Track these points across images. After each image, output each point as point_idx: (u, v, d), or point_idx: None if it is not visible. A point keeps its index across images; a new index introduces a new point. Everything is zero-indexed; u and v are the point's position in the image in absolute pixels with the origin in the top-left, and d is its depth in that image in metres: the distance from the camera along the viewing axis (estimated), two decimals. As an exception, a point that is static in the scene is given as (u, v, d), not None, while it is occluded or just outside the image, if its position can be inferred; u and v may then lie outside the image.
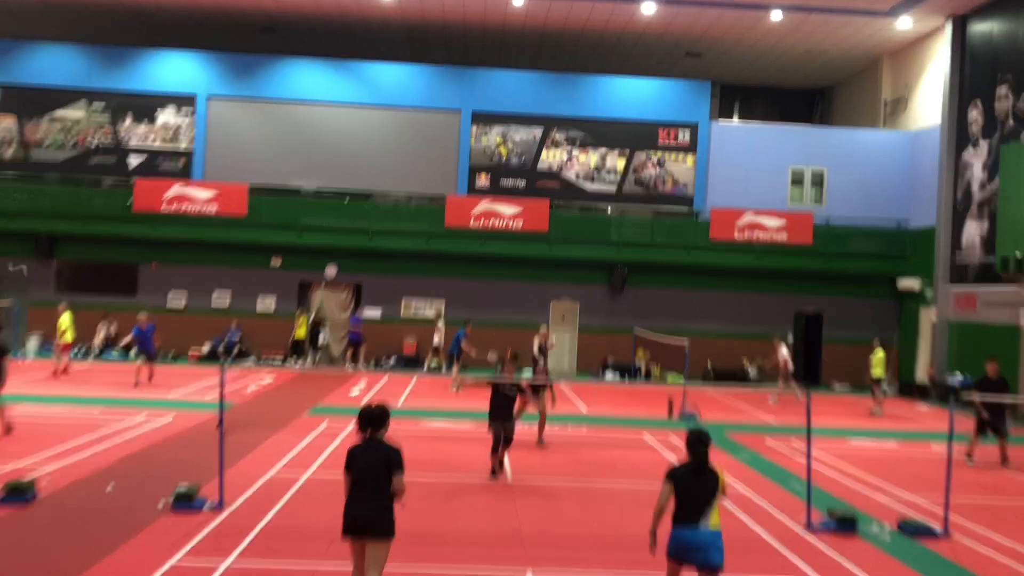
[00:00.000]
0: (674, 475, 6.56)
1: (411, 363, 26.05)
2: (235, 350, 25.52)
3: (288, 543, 8.49)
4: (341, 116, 27.55)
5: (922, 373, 25.14)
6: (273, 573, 7.74)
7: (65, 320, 20.63)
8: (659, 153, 27.83)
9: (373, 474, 6.43)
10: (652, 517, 6.61)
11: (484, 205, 26.12)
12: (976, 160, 23.80)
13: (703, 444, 6.56)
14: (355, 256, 26.43)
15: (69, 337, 20.73)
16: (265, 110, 27.63)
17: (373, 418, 6.63)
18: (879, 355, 20.61)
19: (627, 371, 25.98)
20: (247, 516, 9.40)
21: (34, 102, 27.14)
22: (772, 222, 26.41)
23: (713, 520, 6.38)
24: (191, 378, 21.24)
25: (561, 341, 26.44)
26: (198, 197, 25.73)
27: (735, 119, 31.94)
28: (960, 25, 24.64)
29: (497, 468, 12.02)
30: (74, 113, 27.24)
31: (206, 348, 25.89)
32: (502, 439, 12.02)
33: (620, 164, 27.85)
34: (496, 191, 27.36)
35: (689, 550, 6.39)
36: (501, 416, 12.07)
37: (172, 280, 26.36)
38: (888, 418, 20.25)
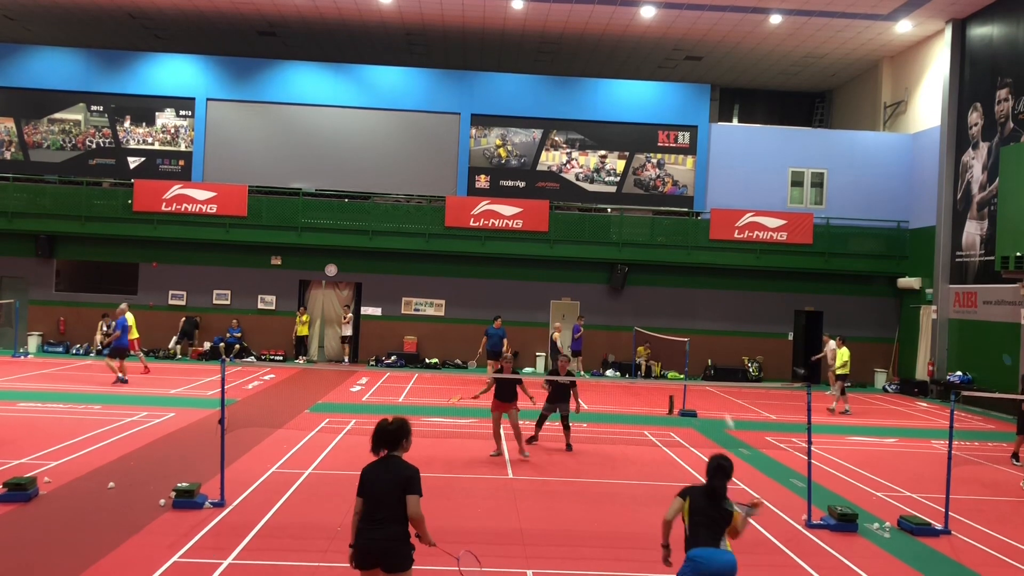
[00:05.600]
0: (689, 493, 6.13)
1: (411, 360, 26.13)
2: (236, 348, 25.56)
3: (289, 540, 8.49)
4: (341, 119, 27.54)
5: (922, 371, 25.25)
6: (274, 570, 7.73)
7: (129, 319, 21.35)
8: (659, 155, 27.87)
9: (389, 498, 5.67)
10: (662, 530, 6.29)
11: (484, 205, 26.15)
12: (976, 162, 23.86)
13: (723, 475, 6.08)
14: (355, 255, 26.49)
15: (135, 334, 21.36)
16: (265, 113, 27.60)
17: (389, 435, 5.84)
18: (843, 353, 20.20)
19: (627, 369, 26.04)
20: (248, 513, 9.40)
21: (33, 105, 27.17)
22: (772, 222, 26.50)
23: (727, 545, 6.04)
24: (191, 375, 21.28)
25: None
26: (198, 198, 25.77)
27: (735, 122, 31.93)
28: (960, 28, 24.71)
29: (535, 438, 14.11)
30: (73, 116, 27.26)
31: (207, 345, 25.93)
32: (561, 420, 14.10)
33: (620, 166, 27.87)
34: (496, 193, 27.40)
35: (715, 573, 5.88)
36: (557, 400, 14.04)
37: (172, 279, 26.40)
38: (888, 415, 20.27)
